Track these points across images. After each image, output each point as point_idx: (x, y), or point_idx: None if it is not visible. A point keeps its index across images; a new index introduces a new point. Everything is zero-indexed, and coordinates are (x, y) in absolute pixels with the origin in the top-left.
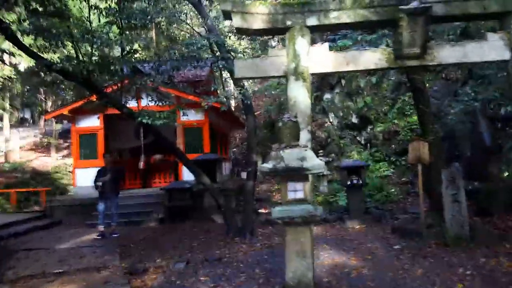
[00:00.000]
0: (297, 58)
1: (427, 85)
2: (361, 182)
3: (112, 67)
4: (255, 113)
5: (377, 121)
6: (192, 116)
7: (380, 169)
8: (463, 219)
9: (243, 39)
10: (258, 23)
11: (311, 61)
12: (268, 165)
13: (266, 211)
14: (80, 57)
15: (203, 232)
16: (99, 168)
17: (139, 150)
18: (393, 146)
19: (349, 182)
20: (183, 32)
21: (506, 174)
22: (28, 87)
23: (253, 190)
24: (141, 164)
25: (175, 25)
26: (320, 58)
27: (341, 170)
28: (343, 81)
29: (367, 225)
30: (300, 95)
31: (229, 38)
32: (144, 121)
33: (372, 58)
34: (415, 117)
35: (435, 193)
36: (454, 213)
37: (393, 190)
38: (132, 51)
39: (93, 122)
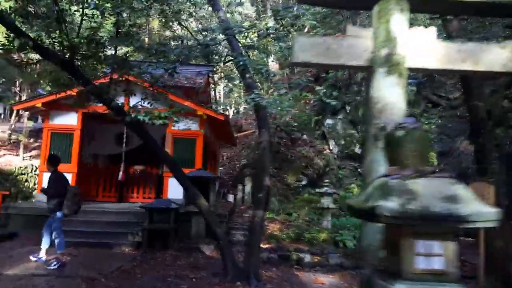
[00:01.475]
0: (391, 42)
1: (440, 121)
2: None
3: (102, 50)
4: (246, 132)
5: None
6: (186, 126)
7: None
8: None
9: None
10: None
11: (410, 50)
12: (392, 204)
13: (266, 246)
14: (64, 30)
15: (190, 267)
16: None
17: (118, 158)
18: None
19: None
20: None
21: None
22: (3, 79)
23: (263, 223)
24: (121, 175)
25: (171, 29)
26: (424, 48)
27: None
28: (347, 107)
29: None
30: (392, 96)
31: (245, 38)
32: (140, 118)
33: (499, 56)
34: None
35: (496, 250)
36: None
37: None
38: (129, 32)
39: (69, 120)
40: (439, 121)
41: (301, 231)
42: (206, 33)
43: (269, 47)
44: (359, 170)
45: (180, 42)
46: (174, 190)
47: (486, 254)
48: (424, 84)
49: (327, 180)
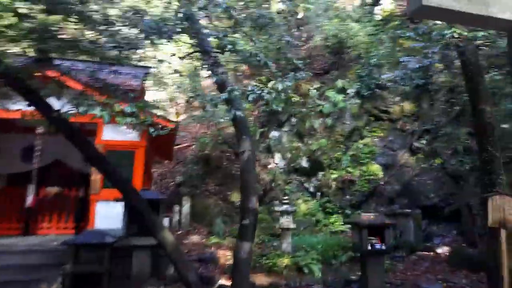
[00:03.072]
0: None
1: (382, 134)
2: (384, 247)
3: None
4: (181, 145)
5: (329, 167)
6: (121, 135)
7: (334, 223)
8: None
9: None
10: None
11: None
12: None
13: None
14: None
15: None
16: None
17: (25, 178)
18: (347, 197)
19: (369, 247)
20: None
21: None
22: None
23: (250, 257)
24: (30, 200)
25: None
26: None
27: (358, 228)
28: (293, 119)
29: None
30: None
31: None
32: (97, 113)
33: None
34: (372, 167)
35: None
36: None
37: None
38: None
39: None
40: (381, 134)
41: (256, 256)
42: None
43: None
44: (305, 185)
45: (140, 16)
46: (103, 218)
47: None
48: (367, 97)
49: (286, 197)
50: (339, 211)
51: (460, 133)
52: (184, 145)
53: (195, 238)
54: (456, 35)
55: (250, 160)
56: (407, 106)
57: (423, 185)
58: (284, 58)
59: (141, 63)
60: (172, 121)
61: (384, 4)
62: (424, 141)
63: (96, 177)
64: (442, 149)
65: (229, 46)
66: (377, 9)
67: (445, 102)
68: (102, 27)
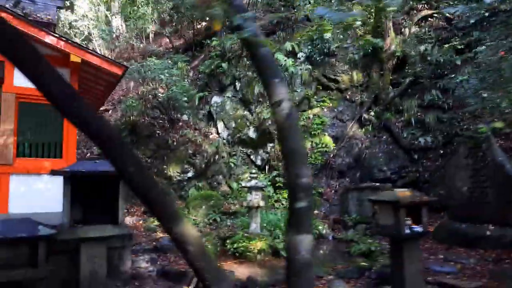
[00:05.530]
0: None
1: (330, 104)
2: (422, 229)
3: None
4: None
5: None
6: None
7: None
8: None
9: None
10: None
11: None
12: None
13: None
14: None
15: None
16: None
17: None
18: None
19: (407, 230)
20: None
21: None
22: None
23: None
24: None
25: None
26: None
27: (392, 208)
28: (238, 84)
29: None
30: None
31: None
32: None
33: None
34: (325, 138)
35: None
36: None
37: (320, 226)
38: None
39: None
40: (330, 104)
41: (219, 239)
42: None
43: None
44: (251, 157)
45: None
46: (20, 199)
47: None
48: (317, 63)
49: (254, 171)
50: None
51: (411, 105)
52: (101, 108)
53: (129, 219)
54: None
55: (293, 115)
56: (356, 75)
57: (374, 158)
58: None
59: None
60: (122, 65)
61: None
62: (373, 113)
63: (7, 140)
64: (392, 122)
65: None
66: None
67: (393, 72)
68: None
